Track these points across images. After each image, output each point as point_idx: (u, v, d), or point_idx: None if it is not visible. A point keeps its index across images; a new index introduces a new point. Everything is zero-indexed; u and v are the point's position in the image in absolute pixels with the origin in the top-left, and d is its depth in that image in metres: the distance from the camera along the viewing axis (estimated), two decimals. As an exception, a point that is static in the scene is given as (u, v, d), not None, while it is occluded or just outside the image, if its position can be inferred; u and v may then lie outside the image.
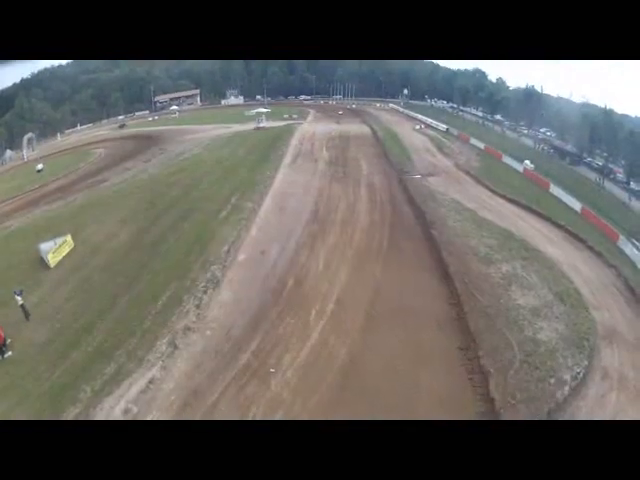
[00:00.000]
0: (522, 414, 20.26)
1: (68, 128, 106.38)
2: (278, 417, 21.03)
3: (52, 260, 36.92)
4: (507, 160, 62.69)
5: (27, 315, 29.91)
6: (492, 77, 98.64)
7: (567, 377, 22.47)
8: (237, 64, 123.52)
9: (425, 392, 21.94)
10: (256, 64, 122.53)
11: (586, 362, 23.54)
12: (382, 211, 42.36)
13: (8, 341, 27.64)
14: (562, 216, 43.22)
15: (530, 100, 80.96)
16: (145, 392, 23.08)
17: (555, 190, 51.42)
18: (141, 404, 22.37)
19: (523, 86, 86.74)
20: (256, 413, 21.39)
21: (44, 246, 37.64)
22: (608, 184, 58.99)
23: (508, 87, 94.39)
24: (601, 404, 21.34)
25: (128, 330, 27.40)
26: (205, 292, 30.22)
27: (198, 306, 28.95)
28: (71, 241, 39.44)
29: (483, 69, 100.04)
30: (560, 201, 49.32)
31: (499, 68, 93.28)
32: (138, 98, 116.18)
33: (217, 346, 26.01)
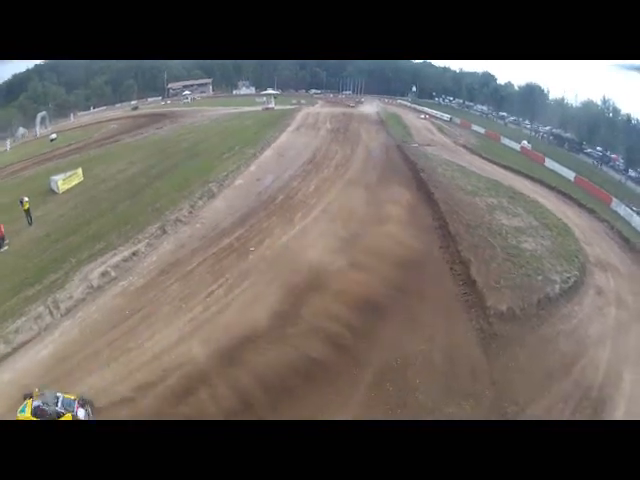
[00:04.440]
0: (508, 297, 21.29)
1: (81, 111, 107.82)
2: (247, 283, 22.85)
3: (61, 187, 37.94)
4: (505, 142, 63.76)
5: (30, 222, 31.57)
6: (501, 81, 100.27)
7: (556, 278, 23.27)
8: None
9: (405, 265, 23.81)
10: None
11: (576, 272, 24.21)
12: (376, 161, 43.52)
13: (7, 241, 29.12)
14: (554, 181, 43.70)
15: (533, 96, 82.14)
16: (127, 261, 25.04)
17: (550, 164, 52.05)
18: (120, 270, 24.33)
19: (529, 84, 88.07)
20: (229, 278, 23.15)
21: (54, 177, 38.78)
22: (606, 170, 59.00)
23: (515, 87, 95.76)
24: (600, 315, 21.90)
25: (123, 221, 29.06)
26: (200, 199, 31.98)
27: (192, 206, 30.78)
28: (81, 174, 40.58)
29: (492, 72, 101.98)
30: (554, 172, 49.74)
31: (507, 72, 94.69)
32: (151, 86, 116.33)
33: (204, 233, 27.79)
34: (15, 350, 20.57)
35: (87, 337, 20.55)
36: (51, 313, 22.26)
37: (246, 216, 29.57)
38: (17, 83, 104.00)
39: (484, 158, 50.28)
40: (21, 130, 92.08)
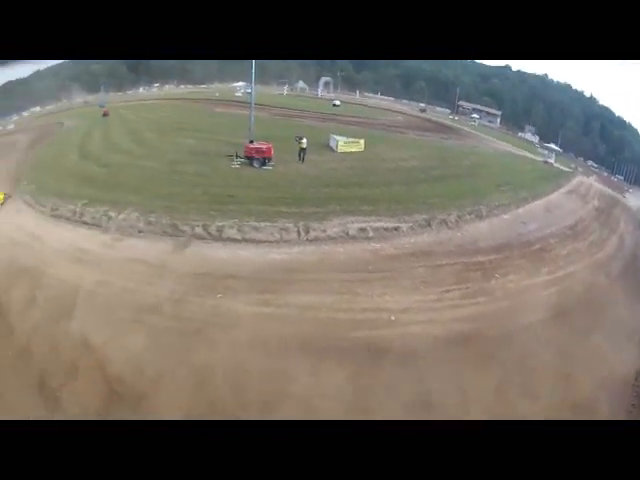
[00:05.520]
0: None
1: (367, 92, 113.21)
2: (482, 299, 24.95)
3: (340, 147, 43.30)
4: None
5: (302, 159, 37.70)
6: None
7: None
8: (541, 103, 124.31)
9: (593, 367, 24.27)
10: (557, 111, 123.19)
11: None
12: (623, 254, 44.30)
13: (272, 162, 35.42)
14: None
15: None
16: (387, 230, 28.99)
17: None
18: (378, 234, 28.05)
19: None
20: (469, 287, 25.59)
21: (336, 136, 44.40)
22: None
23: None
24: None
25: (395, 199, 33.66)
26: (469, 214, 35.84)
27: (459, 217, 34.35)
28: (362, 145, 45.37)
29: None
30: None
31: None
32: (441, 96, 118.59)
33: (461, 242, 30.66)
34: (245, 241, 24.02)
35: (321, 267, 23.51)
36: (298, 233, 25.78)
37: (503, 247, 32.49)
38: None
39: None
40: (301, 84, 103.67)
